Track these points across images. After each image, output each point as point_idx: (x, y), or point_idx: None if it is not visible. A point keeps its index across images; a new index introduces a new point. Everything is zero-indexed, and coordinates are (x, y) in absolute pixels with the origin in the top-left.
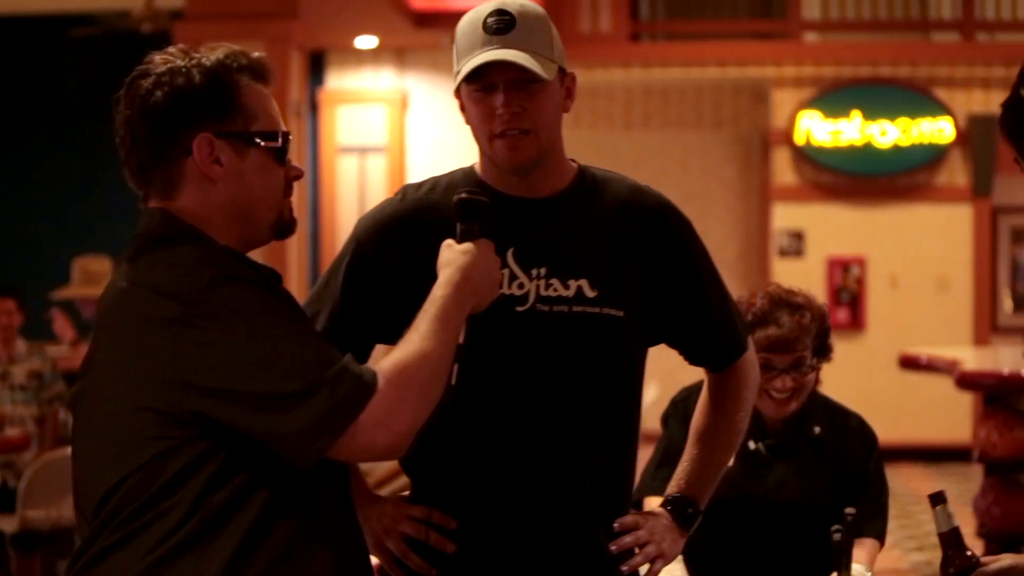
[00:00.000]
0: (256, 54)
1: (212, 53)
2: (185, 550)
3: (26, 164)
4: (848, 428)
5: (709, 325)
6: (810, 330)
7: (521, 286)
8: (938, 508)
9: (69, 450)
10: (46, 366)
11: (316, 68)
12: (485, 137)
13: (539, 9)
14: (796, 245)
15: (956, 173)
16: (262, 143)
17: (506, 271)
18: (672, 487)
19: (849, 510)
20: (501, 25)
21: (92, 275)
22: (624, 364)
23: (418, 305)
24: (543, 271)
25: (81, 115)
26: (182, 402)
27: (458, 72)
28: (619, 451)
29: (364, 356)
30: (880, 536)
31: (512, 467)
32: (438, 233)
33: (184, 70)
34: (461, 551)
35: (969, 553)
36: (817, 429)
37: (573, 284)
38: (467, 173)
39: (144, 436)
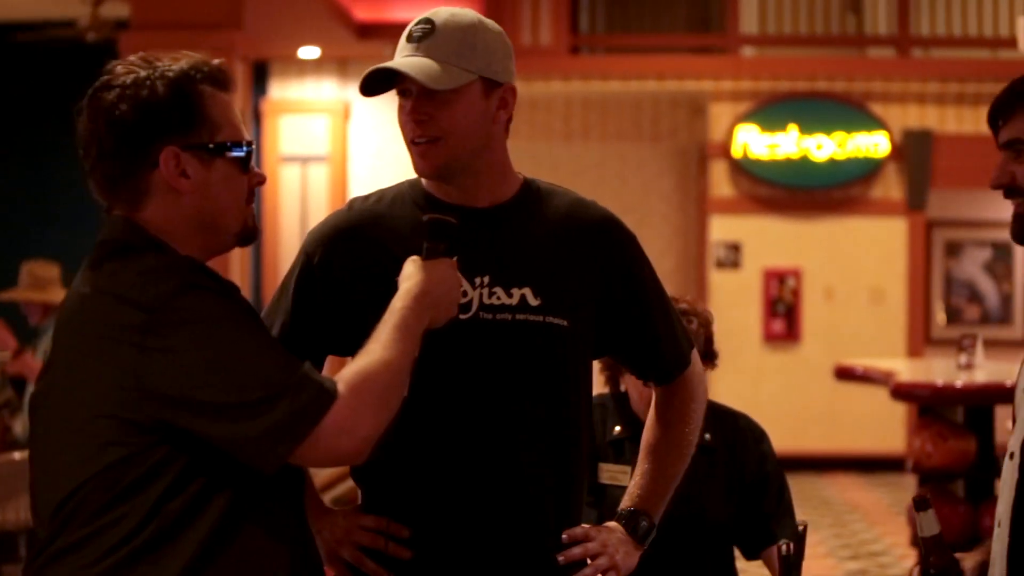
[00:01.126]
0: (216, 62)
1: (175, 63)
2: (141, 557)
3: None
4: (738, 429)
5: (653, 339)
6: (699, 336)
7: (464, 294)
8: (921, 513)
9: (14, 456)
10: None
11: (259, 78)
12: (407, 144)
13: (469, 19)
14: (733, 257)
15: (891, 187)
16: (227, 154)
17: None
18: (625, 501)
19: (802, 520)
20: (421, 34)
21: (39, 280)
22: (569, 373)
23: (365, 315)
24: (486, 279)
25: (28, 122)
26: (143, 409)
27: (360, 83)
28: (565, 459)
29: (317, 365)
30: (794, 536)
31: (458, 474)
32: (383, 243)
33: (148, 82)
34: (415, 558)
35: (949, 556)
36: (708, 436)
37: (516, 292)
38: (413, 184)
39: (103, 442)
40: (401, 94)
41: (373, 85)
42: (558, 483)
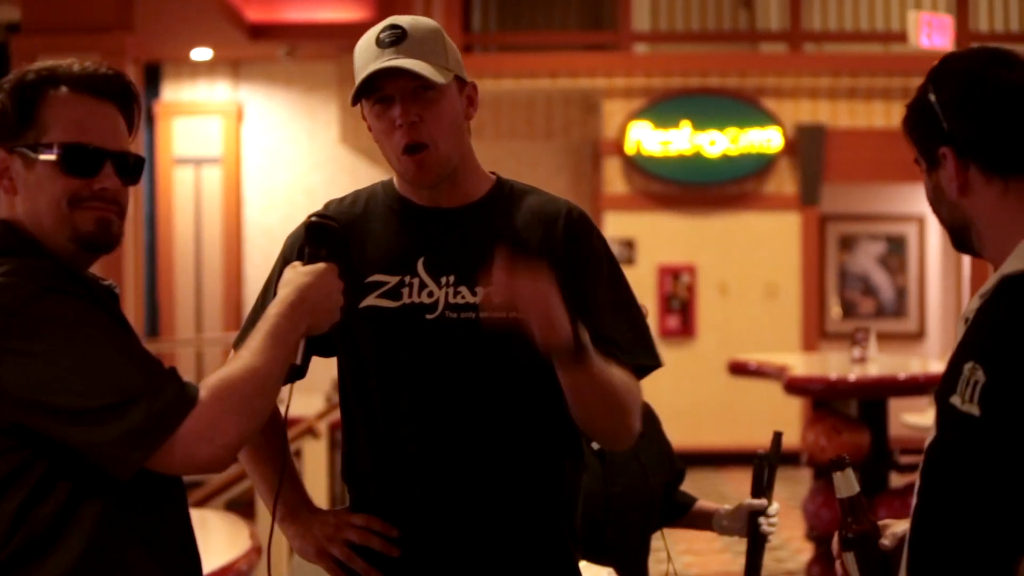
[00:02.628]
0: (91, 66)
1: (34, 66)
2: (15, 567)
3: None
4: (648, 413)
5: (616, 334)
6: None
7: (431, 294)
8: (838, 473)
9: None
10: None
11: (152, 80)
12: (393, 153)
13: (430, 22)
14: (627, 253)
15: (784, 182)
16: (41, 156)
17: (416, 280)
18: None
19: (778, 431)
20: (393, 38)
21: None
22: (538, 365)
23: (350, 320)
24: (452, 279)
25: None
26: (1, 413)
27: (356, 88)
28: (546, 450)
29: (301, 371)
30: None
31: (437, 473)
32: (359, 245)
33: (2, 86)
34: (403, 557)
35: (868, 521)
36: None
37: (481, 290)
38: (385, 186)
39: None
40: (380, 101)
41: (357, 92)
42: (542, 476)
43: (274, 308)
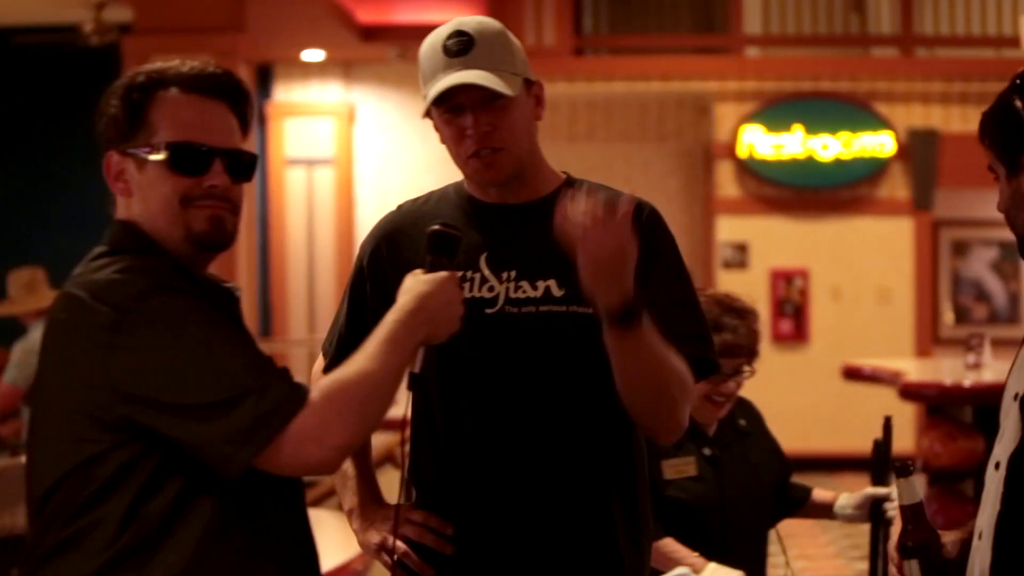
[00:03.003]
0: (198, 65)
1: (146, 69)
2: (124, 563)
3: None
4: (753, 412)
5: (677, 330)
6: (759, 334)
7: (491, 289)
8: (902, 480)
9: (22, 460)
10: None
11: (264, 81)
12: (461, 158)
13: (496, 24)
14: (740, 257)
15: (897, 186)
16: (149, 157)
17: (477, 275)
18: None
19: (887, 415)
20: (460, 47)
21: (26, 286)
22: (599, 362)
23: None
24: (512, 274)
25: (29, 126)
26: (111, 406)
27: (424, 96)
28: (608, 445)
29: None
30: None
31: (496, 467)
32: (425, 238)
33: (112, 91)
34: (459, 553)
35: (929, 529)
36: (743, 422)
37: (541, 285)
38: (456, 186)
39: (77, 438)
40: (451, 110)
41: (445, 97)
42: (602, 471)
43: (392, 315)
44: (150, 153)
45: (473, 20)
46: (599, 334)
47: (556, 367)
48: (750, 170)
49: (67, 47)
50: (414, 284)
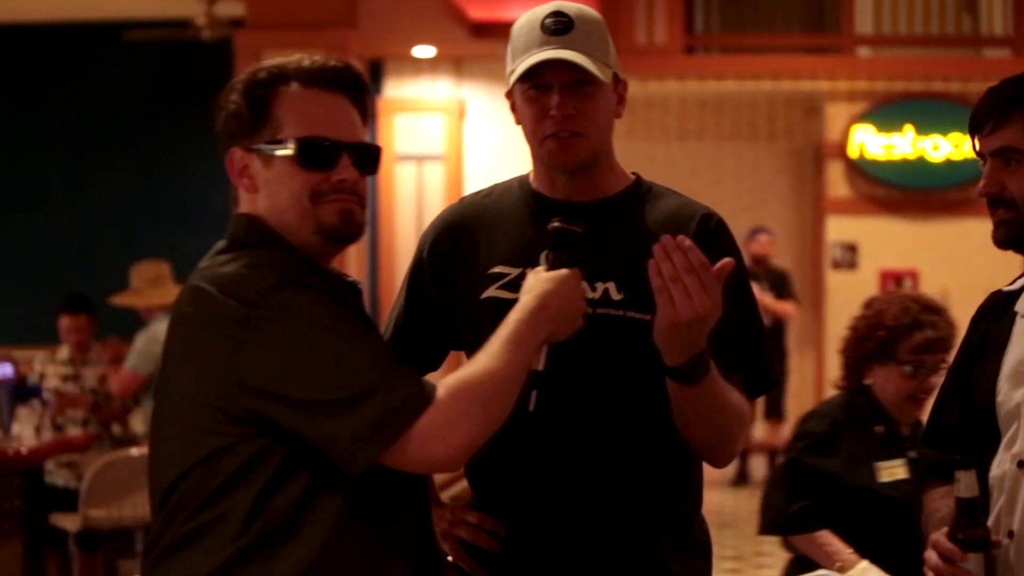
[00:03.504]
0: (320, 59)
1: (266, 64)
2: (250, 557)
3: (85, 169)
4: None
5: (736, 345)
6: (955, 326)
7: None
8: (963, 472)
9: (131, 452)
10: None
11: (374, 77)
12: (537, 138)
13: (596, 14)
14: (850, 258)
15: None
16: (276, 152)
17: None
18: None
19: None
20: (559, 26)
21: (153, 280)
22: (654, 368)
23: (467, 305)
24: (573, 266)
25: (141, 121)
26: (238, 400)
27: (512, 71)
28: (657, 452)
29: (432, 361)
30: None
31: (547, 469)
32: (486, 232)
33: (233, 87)
34: (512, 555)
35: (983, 524)
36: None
37: (600, 287)
38: (521, 179)
39: (204, 431)
40: (536, 87)
41: (520, 76)
42: (651, 476)
43: (515, 314)
44: (277, 149)
45: (573, 6)
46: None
47: (608, 370)
48: (860, 170)
49: (180, 41)
50: (536, 282)
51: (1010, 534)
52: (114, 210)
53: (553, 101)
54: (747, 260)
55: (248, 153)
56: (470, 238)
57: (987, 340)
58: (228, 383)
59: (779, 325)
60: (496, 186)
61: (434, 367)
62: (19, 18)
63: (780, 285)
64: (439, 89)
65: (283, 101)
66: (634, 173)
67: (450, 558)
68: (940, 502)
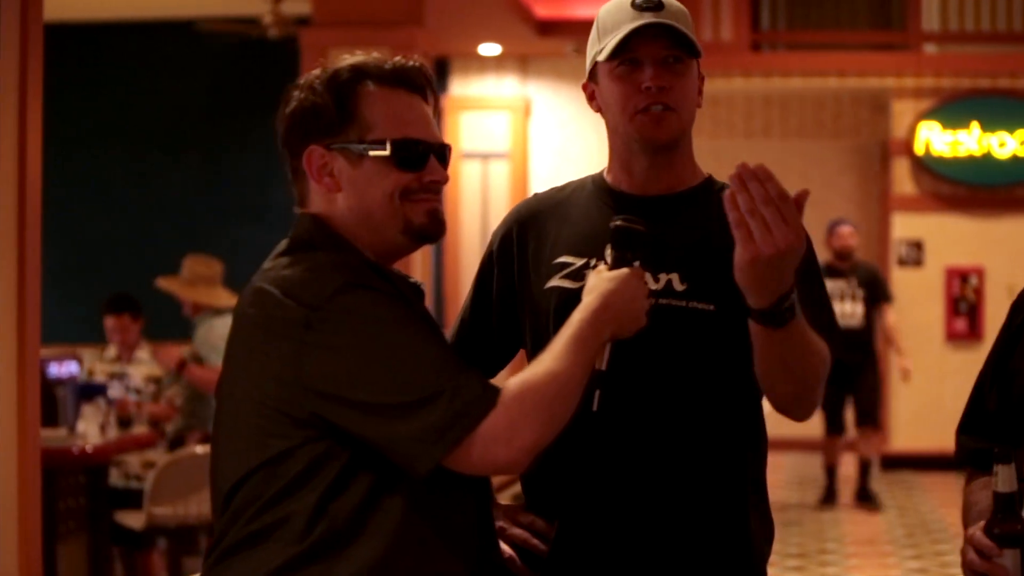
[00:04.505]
0: (400, 59)
1: (344, 63)
2: (313, 558)
3: (150, 167)
4: None
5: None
6: None
7: None
8: (1002, 466)
9: (196, 450)
10: (164, 370)
11: (440, 74)
12: (627, 113)
13: (680, 4)
14: (915, 255)
15: None
16: (371, 153)
17: (600, 264)
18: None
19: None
20: (651, 4)
21: (197, 277)
22: (721, 358)
23: (535, 301)
24: (635, 264)
25: (207, 118)
26: (301, 403)
27: (601, 49)
28: (719, 446)
29: (499, 357)
30: None
31: (610, 467)
32: (557, 227)
33: (310, 84)
34: (563, 557)
35: (1021, 521)
36: None
37: (663, 277)
38: (595, 177)
39: (266, 434)
40: (628, 62)
41: (615, 48)
42: (713, 472)
43: (578, 314)
44: (371, 149)
45: None
46: (717, 331)
47: (672, 362)
48: (926, 167)
49: (246, 39)
50: (598, 282)
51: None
52: (179, 207)
53: (647, 74)
54: (830, 256)
55: (330, 152)
56: (540, 230)
57: None
58: (292, 386)
59: (868, 331)
60: (571, 182)
61: (501, 363)
62: (88, 16)
63: (873, 285)
64: (505, 87)
65: (370, 102)
66: (708, 173)
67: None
68: (979, 494)
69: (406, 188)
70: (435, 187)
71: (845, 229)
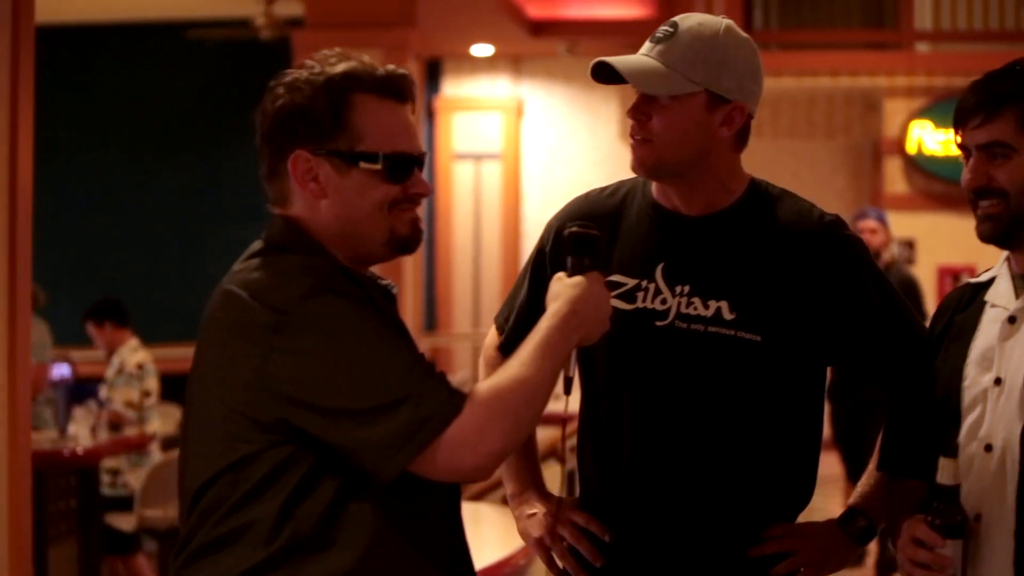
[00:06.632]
0: (390, 68)
1: (335, 67)
2: (278, 563)
3: (146, 167)
4: None
5: (878, 350)
6: None
7: (664, 301)
8: (947, 460)
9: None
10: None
11: (432, 75)
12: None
13: (714, 30)
14: (907, 254)
15: None
16: (362, 164)
17: (652, 285)
18: (851, 499)
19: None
20: (662, 35)
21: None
22: (765, 387)
23: None
24: (686, 289)
25: (200, 119)
26: (267, 407)
27: (590, 72)
28: (762, 472)
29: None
30: None
31: (650, 477)
32: (608, 236)
33: (300, 86)
34: (613, 562)
35: (956, 513)
36: None
37: (713, 305)
38: (645, 187)
39: (233, 437)
40: (635, 92)
41: (605, 74)
42: (752, 499)
43: (546, 321)
44: (363, 161)
45: (698, 18)
46: (763, 361)
47: (717, 389)
48: (919, 166)
49: (239, 41)
50: (563, 289)
51: (977, 518)
52: (173, 209)
53: (633, 103)
54: None
55: (316, 158)
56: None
57: (952, 329)
58: (258, 390)
59: None
60: (622, 183)
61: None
62: (81, 18)
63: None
64: (497, 88)
65: (362, 112)
66: (751, 177)
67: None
68: (905, 492)
69: (393, 200)
70: (418, 198)
71: (868, 223)
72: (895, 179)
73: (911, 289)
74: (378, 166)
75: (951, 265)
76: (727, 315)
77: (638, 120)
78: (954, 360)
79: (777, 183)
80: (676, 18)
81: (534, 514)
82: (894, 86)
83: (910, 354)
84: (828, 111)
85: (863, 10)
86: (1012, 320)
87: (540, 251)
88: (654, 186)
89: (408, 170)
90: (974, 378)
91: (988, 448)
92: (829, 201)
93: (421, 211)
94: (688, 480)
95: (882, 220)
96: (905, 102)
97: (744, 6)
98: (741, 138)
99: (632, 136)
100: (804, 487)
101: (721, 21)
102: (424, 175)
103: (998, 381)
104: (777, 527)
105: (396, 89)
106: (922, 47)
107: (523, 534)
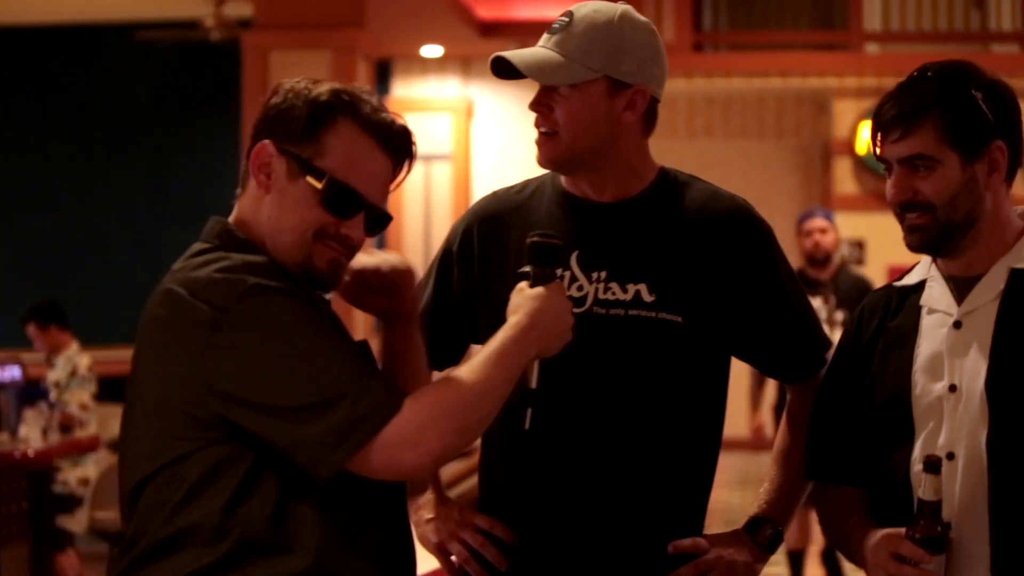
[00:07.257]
0: (398, 119)
1: (345, 90)
2: (225, 565)
3: (95, 169)
4: None
5: (781, 335)
6: None
7: (580, 288)
8: (929, 475)
9: None
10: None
11: (382, 76)
12: None
13: (608, 16)
14: (857, 254)
15: (1018, 182)
16: (308, 177)
17: (567, 274)
18: (753, 508)
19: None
20: (558, 26)
21: None
22: (686, 370)
23: (493, 300)
24: (603, 275)
25: (149, 121)
26: (206, 404)
27: (491, 67)
28: (680, 457)
29: (454, 352)
30: None
31: (564, 467)
32: (518, 231)
33: (300, 90)
34: (521, 560)
35: (940, 528)
36: None
37: (632, 288)
38: (553, 179)
39: (171, 435)
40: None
41: (507, 69)
42: (671, 483)
43: (504, 332)
44: (308, 173)
45: (592, 6)
46: (685, 342)
47: (639, 373)
48: (868, 167)
49: (188, 42)
50: (523, 301)
51: (948, 527)
52: (122, 210)
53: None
54: (802, 261)
55: (279, 154)
56: (502, 233)
57: (887, 335)
58: (196, 388)
59: None
60: (530, 181)
61: (455, 359)
62: (29, 19)
63: (857, 305)
64: (447, 89)
65: (338, 133)
66: (661, 166)
67: (453, 558)
68: (849, 506)
69: (321, 229)
70: (348, 242)
71: (817, 222)
72: (845, 180)
73: (867, 292)
74: (319, 185)
75: (901, 265)
76: (647, 297)
77: (540, 112)
78: (898, 367)
79: (728, 183)
80: (572, 7)
81: (432, 519)
82: (844, 87)
83: (814, 345)
84: (778, 112)
85: (813, 11)
86: (958, 325)
87: (447, 251)
88: (563, 177)
89: (351, 209)
90: (924, 386)
91: (951, 457)
92: (780, 201)
93: (356, 258)
94: (601, 471)
95: (830, 220)
96: (854, 103)
97: (693, 7)
98: (648, 122)
99: (536, 127)
100: (707, 481)
101: (617, 7)
102: (377, 237)
103: (952, 388)
104: (684, 540)
105: (387, 136)
106: (871, 48)
107: (422, 540)
